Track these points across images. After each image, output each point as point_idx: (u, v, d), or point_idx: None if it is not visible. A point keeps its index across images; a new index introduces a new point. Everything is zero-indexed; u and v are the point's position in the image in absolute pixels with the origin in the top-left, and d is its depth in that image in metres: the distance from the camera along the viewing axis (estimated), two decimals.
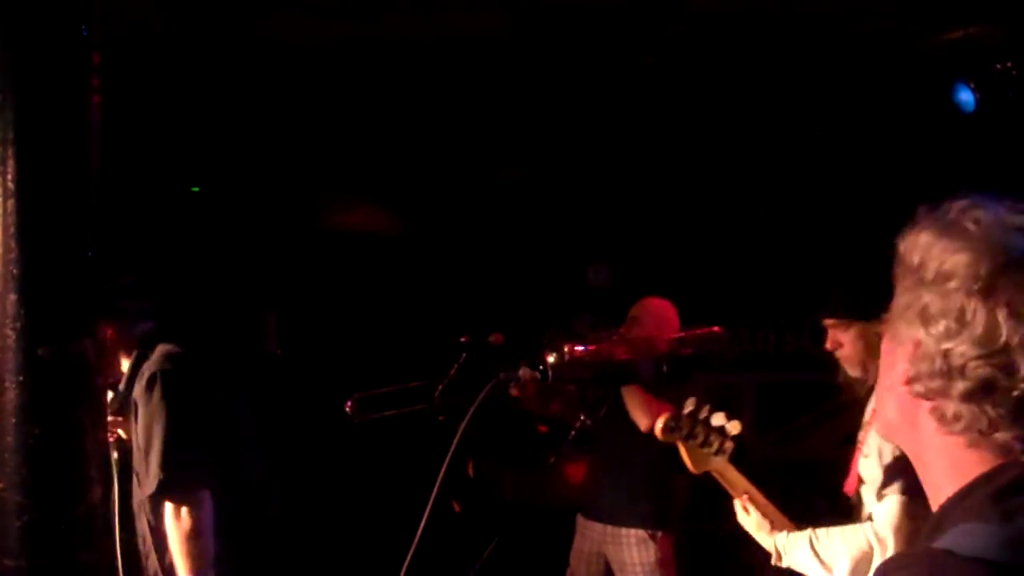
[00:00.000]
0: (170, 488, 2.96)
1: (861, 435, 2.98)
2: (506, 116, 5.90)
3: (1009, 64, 4.96)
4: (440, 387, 4.49)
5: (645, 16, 4.75)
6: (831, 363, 3.09)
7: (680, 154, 6.39)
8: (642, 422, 4.00)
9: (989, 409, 1.14)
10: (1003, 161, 5.52)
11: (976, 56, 5.03)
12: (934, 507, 1.21)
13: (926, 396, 1.18)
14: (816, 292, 3.19)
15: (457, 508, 5.70)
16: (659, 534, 4.14)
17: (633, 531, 4.16)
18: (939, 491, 1.20)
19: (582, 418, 4.35)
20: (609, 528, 4.23)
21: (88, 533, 3.26)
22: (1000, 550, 1.07)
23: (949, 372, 1.15)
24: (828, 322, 3.00)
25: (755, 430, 6.91)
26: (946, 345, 1.14)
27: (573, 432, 4.40)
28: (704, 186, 6.70)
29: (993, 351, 1.12)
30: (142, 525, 3.15)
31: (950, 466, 1.19)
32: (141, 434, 3.02)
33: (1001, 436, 1.15)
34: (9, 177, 3.12)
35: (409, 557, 2.28)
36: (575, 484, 4.79)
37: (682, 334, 3.89)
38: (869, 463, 2.89)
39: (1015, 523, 1.10)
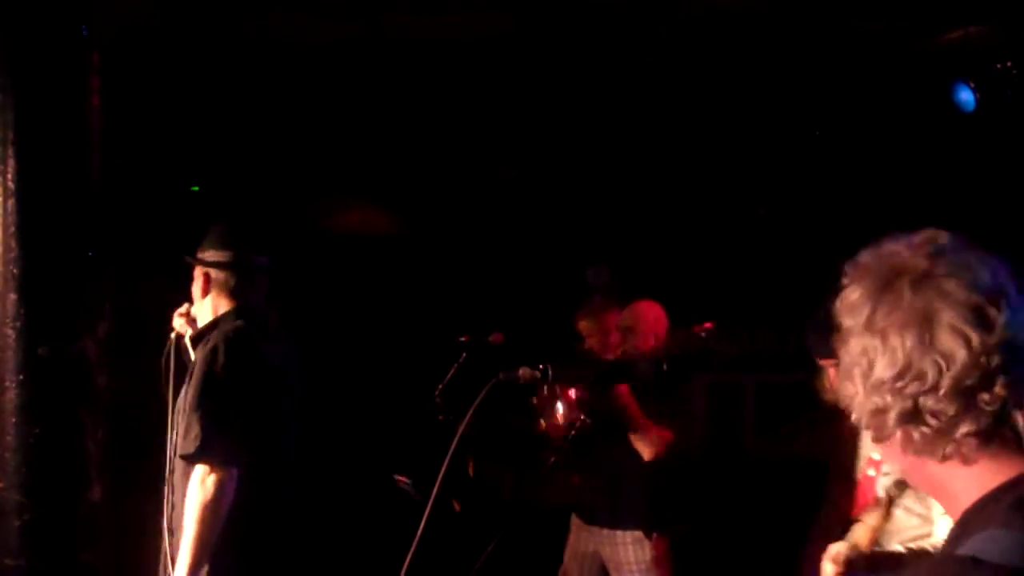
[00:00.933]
0: (207, 452, 3.00)
1: (874, 455, 2.90)
2: (505, 116, 5.89)
3: (1009, 64, 4.96)
4: (440, 387, 4.50)
5: (645, 16, 4.75)
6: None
7: (680, 154, 6.39)
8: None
9: (932, 421, 1.17)
10: (1003, 161, 5.52)
11: (976, 56, 5.03)
12: (955, 518, 1.23)
13: (881, 439, 1.24)
14: (816, 291, 3.17)
15: (457, 508, 5.69)
16: (654, 534, 4.15)
17: (629, 532, 4.17)
18: (959, 506, 1.22)
19: (582, 418, 4.36)
20: (605, 530, 4.24)
21: (88, 533, 3.27)
22: None
23: (885, 407, 1.20)
24: (826, 363, 2.93)
25: (755, 430, 6.91)
26: (871, 382, 1.21)
27: (573, 432, 4.40)
28: (704, 186, 6.70)
29: (902, 370, 1.18)
30: (175, 476, 3.21)
31: (964, 484, 1.21)
32: (191, 394, 3.08)
33: (1014, 447, 1.17)
34: (9, 177, 3.13)
35: (409, 557, 2.28)
36: (575, 484, 4.79)
37: (676, 334, 3.90)
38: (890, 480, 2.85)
39: None
